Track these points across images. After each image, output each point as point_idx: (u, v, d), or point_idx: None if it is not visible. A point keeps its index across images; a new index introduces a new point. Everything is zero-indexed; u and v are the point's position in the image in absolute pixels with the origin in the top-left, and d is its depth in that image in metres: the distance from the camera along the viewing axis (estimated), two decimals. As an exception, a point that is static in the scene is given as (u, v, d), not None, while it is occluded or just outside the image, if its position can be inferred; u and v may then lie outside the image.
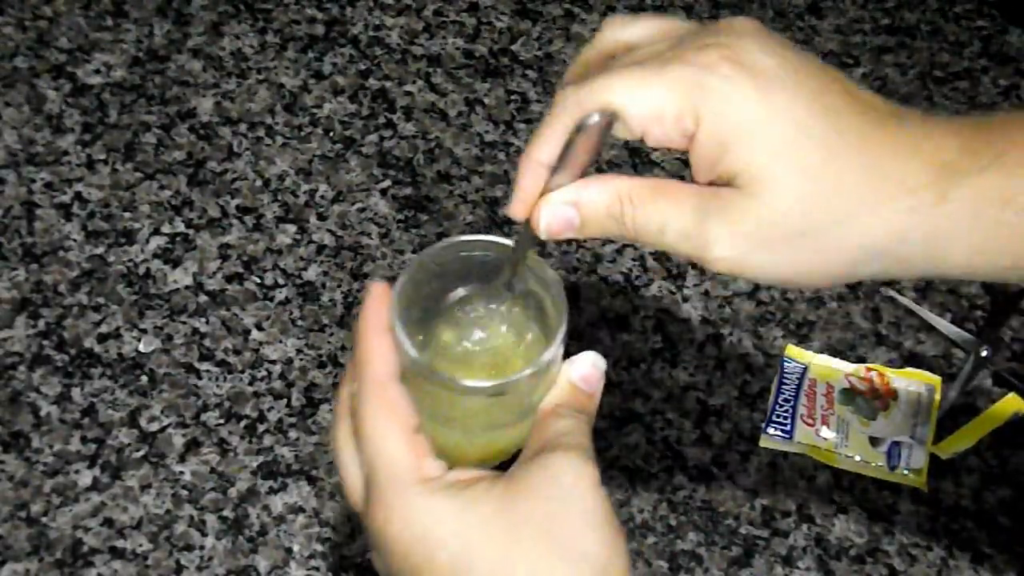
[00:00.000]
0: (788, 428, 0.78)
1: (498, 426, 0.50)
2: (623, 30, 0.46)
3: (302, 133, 0.92)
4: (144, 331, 0.81)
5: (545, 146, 0.43)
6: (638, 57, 0.42)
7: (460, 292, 0.51)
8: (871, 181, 0.40)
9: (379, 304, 0.46)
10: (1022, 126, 0.41)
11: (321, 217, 0.87)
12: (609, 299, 0.84)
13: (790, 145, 0.40)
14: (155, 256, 0.84)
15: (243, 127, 0.92)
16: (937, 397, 0.80)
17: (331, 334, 0.82)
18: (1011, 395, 0.80)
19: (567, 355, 0.50)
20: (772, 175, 0.40)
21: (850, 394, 0.80)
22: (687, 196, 0.42)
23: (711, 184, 0.42)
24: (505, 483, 0.44)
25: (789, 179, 0.40)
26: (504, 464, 0.48)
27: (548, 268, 0.49)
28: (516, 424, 0.49)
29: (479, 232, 0.80)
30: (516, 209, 0.45)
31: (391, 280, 0.46)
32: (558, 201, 0.44)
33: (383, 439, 0.44)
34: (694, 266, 0.87)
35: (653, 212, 0.43)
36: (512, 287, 0.49)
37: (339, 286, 0.84)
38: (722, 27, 0.43)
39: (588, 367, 0.50)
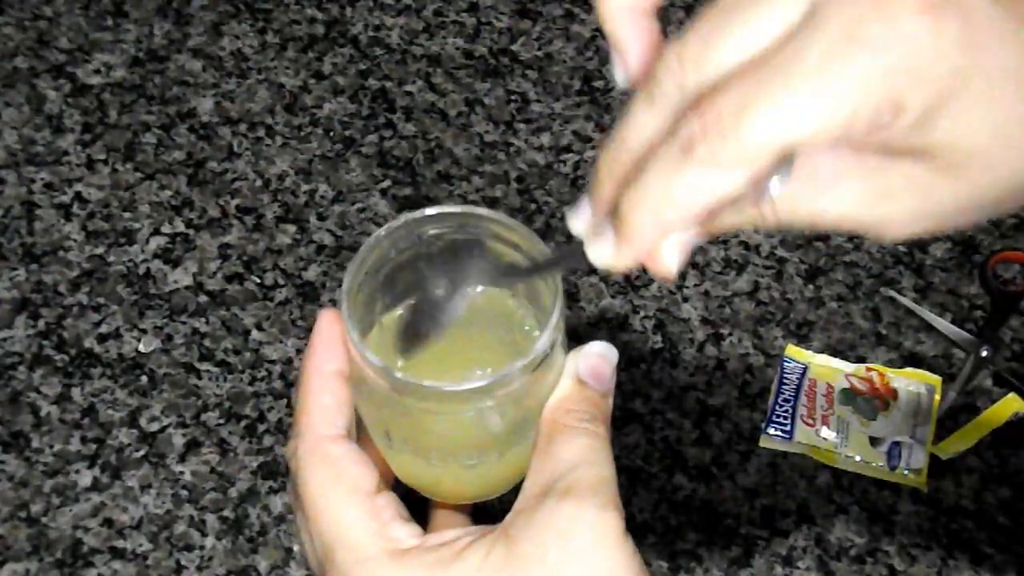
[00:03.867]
0: (788, 428, 0.78)
1: (491, 447, 0.39)
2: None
3: (302, 133, 0.92)
4: (144, 331, 0.81)
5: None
6: (793, 57, 0.29)
7: (427, 279, 0.40)
8: None
9: (328, 342, 0.38)
10: None
11: (321, 217, 0.87)
12: (609, 299, 0.85)
13: (1015, 109, 0.30)
14: (155, 256, 0.84)
15: (243, 127, 0.92)
16: (937, 397, 0.80)
17: (331, 334, 0.82)
18: (1011, 395, 0.80)
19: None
20: (988, 154, 0.30)
21: (850, 394, 0.80)
22: (854, 171, 0.31)
23: (890, 150, 0.31)
24: (504, 547, 0.35)
25: (1009, 157, 0.30)
26: (511, 492, 0.39)
27: (538, 241, 0.40)
28: (514, 443, 0.39)
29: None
30: (631, 63, 0.33)
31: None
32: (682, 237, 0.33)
33: (334, 509, 0.36)
34: (694, 266, 0.87)
35: (815, 198, 0.32)
36: (424, 266, 0.39)
37: (339, 286, 0.84)
38: None
39: (596, 360, 0.39)
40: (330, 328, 0.38)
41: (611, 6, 0.33)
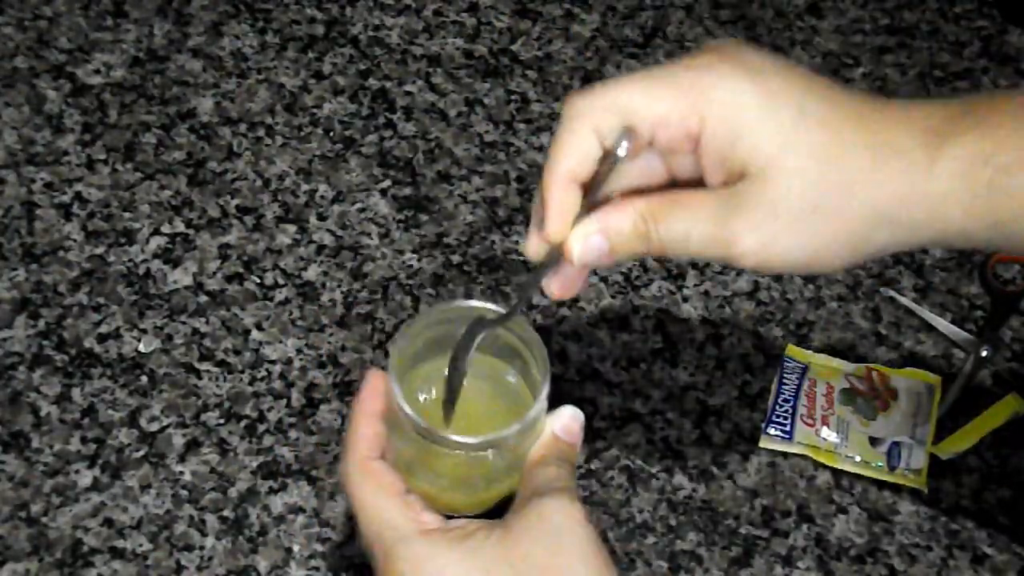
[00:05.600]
0: (788, 428, 0.78)
1: (489, 478, 0.53)
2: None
3: (302, 133, 0.92)
4: (144, 331, 0.81)
5: (566, 162, 0.44)
6: (635, 73, 0.44)
7: (450, 355, 0.53)
8: (869, 150, 0.42)
9: (371, 392, 0.52)
10: (1003, 99, 0.43)
11: (321, 217, 0.87)
12: (609, 299, 0.84)
13: (793, 127, 0.42)
14: (155, 256, 0.84)
15: (243, 127, 0.92)
16: (937, 397, 0.80)
17: (331, 334, 0.82)
18: (1011, 395, 0.80)
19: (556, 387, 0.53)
20: (780, 158, 0.42)
21: (850, 394, 0.80)
22: (705, 201, 0.44)
23: (724, 184, 0.43)
24: (502, 529, 0.48)
25: (797, 160, 0.42)
26: (497, 510, 0.53)
27: (530, 328, 0.52)
28: (506, 475, 0.53)
29: (480, 230, 0.84)
30: (555, 229, 0.45)
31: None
32: (588, 232, 0.46)
33: (378, 504, 0.50)
34: (694, 266, 0.87)
35: (676, 223, 0.44)
36: (517, 311, 0.52)
37: (339, 286, 0.84)
38: (708, 45, 0.45)
39: (568, 420, 0.53)
40: (376, 382, 0.52)
41: (557, 175, 0.44)
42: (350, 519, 0.74)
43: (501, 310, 0.52)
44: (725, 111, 0.42)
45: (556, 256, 0.47)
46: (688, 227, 0.44)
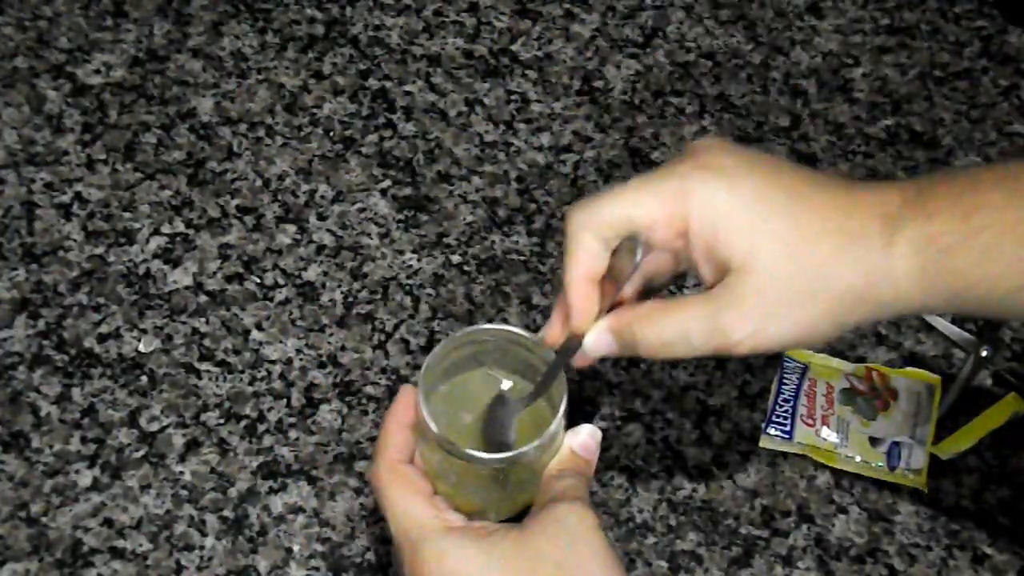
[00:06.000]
0: (788, 428, 0.78)
1: (509, 490, 0.57)
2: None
3: (302, 133, 0.92)
4: (144, 331, 0.81)
5: (582, 266, 0.51)
6: (628, 181, 0.51)
7: (476, 375, 0.59)
8: (833, 236, 0.47)
9: (404, 403, 0.57)
10: (948, 180, 0.48)
11: (321, 217, 0.87)
12: (609, 299, 0.84)
13: (764, 222, 0.48)
14: (155, 256, 0.84)
15: (243, 127, 0.92)
16: (937, 397, 0.80)
17: (331, 334, 0.82)
18: (1011, 395, 0.80)
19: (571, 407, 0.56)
20: (754, 253, 0.48)
21: (850, 394, 0.80)
22: (697, 303, 0.50)
23: (716, 276, 0.49)
24: (519, 529, 0.53)
25: (771, 250, 0.47)
26: (516, 520, 0.56)
27: (551, 353, 0.56)
28: (525, 488, 0.57)
29: (480, 230, 0.84)
30: (580, 321, 0.53)
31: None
32: (603, 328, 0.53)
33: (408, 503, 0.54)
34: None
35: (675, 327, 0.50)
36: (538, 395, 0.57)
37: (339, 286, 0.84)
38: (686, 148, 0.51)
39: (586, 438, 0.57)
40: (407, 396, 0.57)
41: (576, 280, 0.52)
42: (350, 519, 0.74)
43: (524, 333, 0.58)
44: (705, 213, 0.48)
45: (575, 344, 0.54)
46: (686, 325, 0.50)
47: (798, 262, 0.48)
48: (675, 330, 0.50)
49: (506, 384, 0.61)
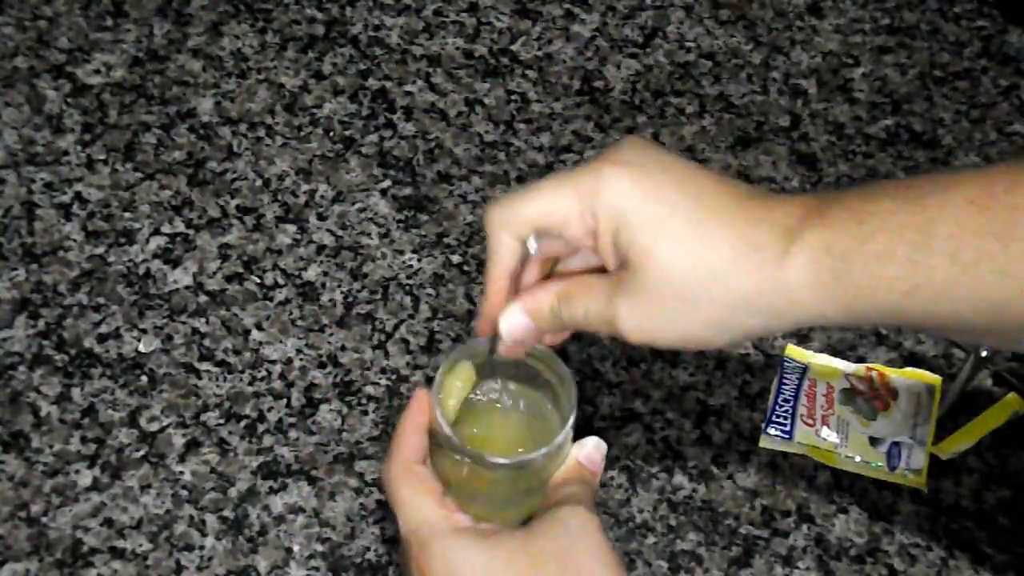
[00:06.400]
0: (788, 428, 0.78)
1: (516, 496, 0.59)
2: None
3: (302, 133, 0.92)
4: (144, 331, 0.81)
5: (497, 263, 0.53)
6: (541, 179, 0.51)
7: (489, 383, 0.60)
8: (731, 245, 0.49)
9: (419, 406, 0.58)
10: (848, 191, 0.49)
11: (321, 217, 0.87)
12: (609, 299, 0.85)
13: (662, 223, 0.49)
14: (155, 256, 0.84)
15: (243, 127, 0.92)
16: (937, 397, 0.80)
17: (331, 334, 0.82)
18: (1011, 395, 0.80)
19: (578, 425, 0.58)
20: (651, 250, 0.49)
21: (850, 394, 0.80)
22: (600, 285, 0.51)
23: (618, 270, 0.51)
24: (524, 531, 0.54)
25: (665, 251, 0.49)
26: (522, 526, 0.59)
27: (562, 364, 0.58)
28: (532, 494, 0.59)
29: (480, 230, 0.87)
30: (487, 316, 0.55)
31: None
32: (516, 312, 0.54)
33: (418, 502, 0.56)
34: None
35: (577, 304, 0.52)
36: (534, 375, 0.59)
37: (339, 286, 0.84)
38: (610, 145, 0.52)
39: (591, 450, 0.59)
40: (423, 399, 0.58)
41: (490, 275, 0.53)
42: (350, 519, 0.74)
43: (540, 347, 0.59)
44: (611, 208, 0.50)
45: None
46: (586, 306, 0.52)
47: (693, 264, 0.49)
48: (578, 309, 0.53)
49: (512, 393, 0.63)
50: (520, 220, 0.52)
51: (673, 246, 0.49)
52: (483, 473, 0.57)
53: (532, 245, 0.52)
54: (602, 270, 0.53)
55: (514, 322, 0.55)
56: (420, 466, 0.58)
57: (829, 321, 0.50)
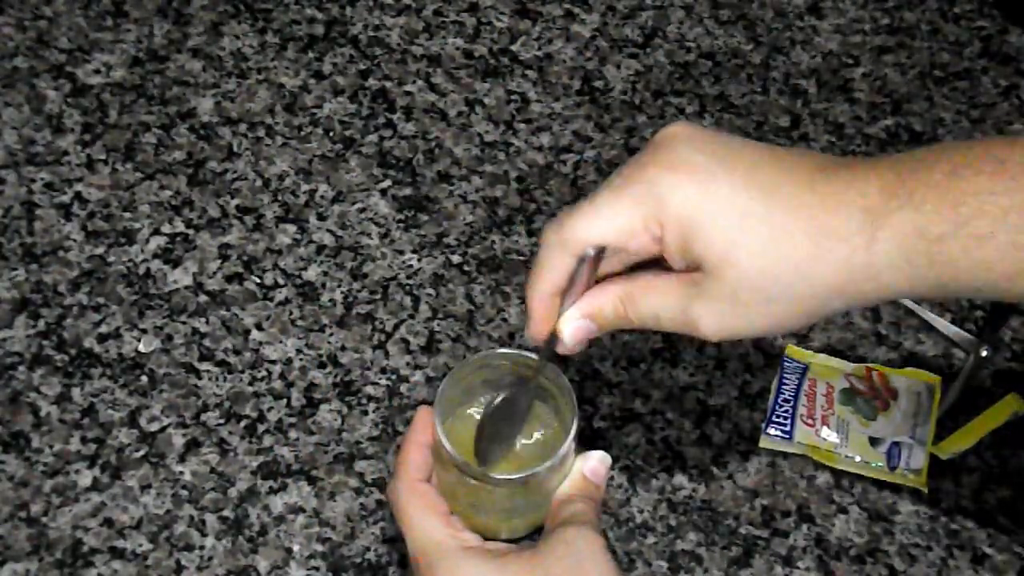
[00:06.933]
0: (788, 428, 0.78)
1: (521, 508, 0.60)
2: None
3: (302, 133, 0.92)
4: (144, 331, 0.81)
5: (547, 281, 0.52)
6: (598, 192, 0.51)
7: (489, 398, 0.60)
8: (811, 239, 0.47)
9: (422, 424, 0.58)
10: (931, 164, 0.47)
11: (321, 217, 0.87)
12: (609, 299, 0.84)
13: (737, 229, 0.48)
14: (155, 256, 0.84)
15: (243, 127, 0.92)
16: (937, 397, 0.80)
17: (331, 334, 0.82)
18: (1011, 395, 0.80)
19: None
20: (729, 258, 0.48)
21: (850, 394, 0.80)
22: (671, 288, 0.50)
23: (687, 269, 0.50)
24: (531, 551, 0.55)
25: (744, 258, 0.48)
26: (527, 538, 0.60)
27: (563, 377, 0.59)
28: (536, 508, 0.60)
29: (480, 230, 0.86)
30: (536, 331, 0.54)
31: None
32: (575, 317, 0.53)
33: (425, 522, 0.56)
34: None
35: (646, 307, 0.51)
36: (533, 388, 0.59)
37: (339, 286, 0.84)
38: (654, 141, 0.50)
39: (596, 463, 0.59)
40: (425, 415, 0.58)
41: (538, 291, 0.52)
42: (350, 519, 0.74)
43: (536, 357, 0.59)
44: (680, 218, 0.48)
45: (546, 345, 0.56)
46: (658, 310, 0.51)
47: (776, 262, 0.48)
48: (648, 311, 0.51)
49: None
50: (581, 240, 0.50)
51: (751, 249, 0.48)
52: (488, 488, 0.58)
53: (589, 252, 0.51)
54: (646, 264, 0.52)
55: (576, 326, 0.54)
56: (426, 484, 0.58)
57: (917, 297, 0.48)
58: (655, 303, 0.51)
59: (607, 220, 0.50)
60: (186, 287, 0.83)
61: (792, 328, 0.50)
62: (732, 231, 0.48)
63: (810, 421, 0.79)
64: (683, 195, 0.48)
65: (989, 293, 0.48)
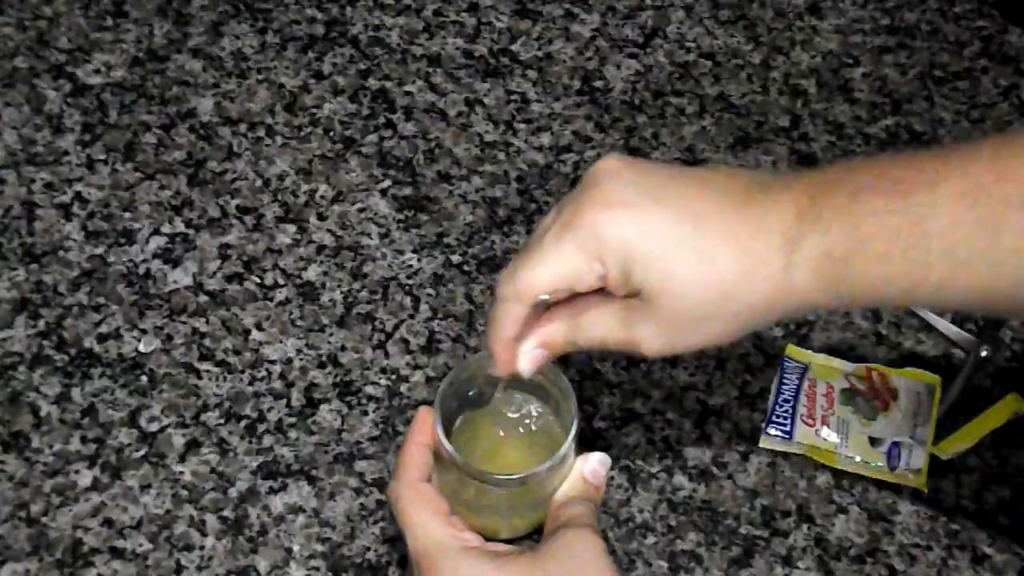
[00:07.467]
0: (788, 428, 0.78)
1: (522, 508, 0.61)
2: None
3: (302, 133, 0.92)
4: (144, 331, 0.81)
5: (507, 330, 0.55)
6: (538, 241, 0.54)
7: (489, 398, 0.62)
8: (738, 262, 0.51)
9: (422, 424, 0.60)
10: (837, 186, 0.50)
11: (321, 217, 0.87)
12: (609, 299, 0.84)
13: (670, 258, 0.51)
14: (155, 256, 0.84)
15: (243, 127, 0.92)
16: (937, 397, 0.80)
17: (331, 334, 0.82)
18: (1011, 395, 0.80)
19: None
20: (664, 286, 0.51)
21: (850, 394, 0.80)
22: (613, 313, 0.54)
23: (627, 295, 0.53)
24: (532, 553, 0.56)
25: (677, 284, 0.51)
26: (527, 537, 0.61)
27: (563, 377, 0.60)
28: (536, 507, 0.60)
29: (480, 230, 0.87)
30: (503, 370, 0.57)
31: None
32: (531, 347, 0.57)
33: (426, 522, 0.57)
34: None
35: (593, 332, 0.55)
36: (533, 388, 0.62)
37: (339, 286, 0.84)
38: (587, 178, 0.53)
39: (596, 464, 0.61)
40: (425, 416, 0.60)
41: (500, 339, 0.56)
42: (350, 519, 0.74)
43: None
44: (618, 254, 0.51)
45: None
46: (603, 334, 0.55)
47: (706, 287, 0.51)
48: (595, 336, 0.55)
49: (517, 405, 0.64)
50: (531, 291, 0.54)
51: (683, 276, 0.51)
52: (488, 488, 0.58)
53: (544, 299, 0.55)
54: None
55: (532, 356, 0.57)
56: (426, 485, 0.59)
57: (838, 308, 0.52)
58: (600, 329, 0.55)
59: (555, 267, 0.53)
60: (186, 287, 0.83)
61: (727, 341, 0.54)
62: (665, 260, 0.51)
63: (810, 421, 0.79)
64: (619, 232, 0.51)
65: (896, 303, 0.52)
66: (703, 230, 0.51)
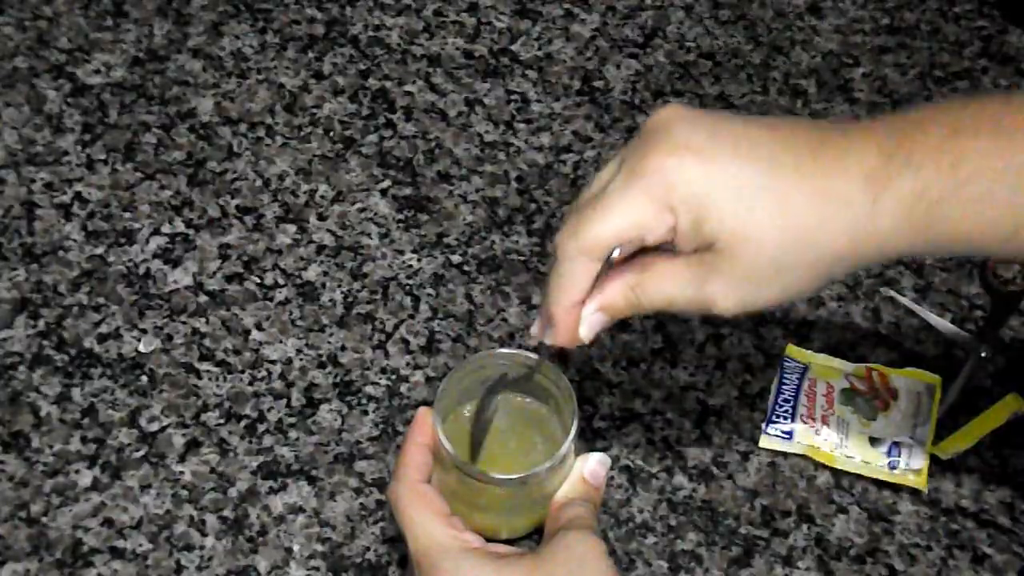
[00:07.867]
0: (788, 428, 0.78)
1: (522, 507, 0.61)
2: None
3: (302, 133, 0.92)
4: (144, 331, 0.81)
5: (574, 291, 0.52)
6: (601, 192, 0.51)
7: (489, 398, 0.61)
8: (817, 207, 0.48)
9: (421, 425, 0.59)
10: (927, 126, 0.48)
11: (321, 217, 0.87)
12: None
13: (744, 205, 0.48)
14: (155, 256, 0.84)
15: (243, 127, 0.92)
16: (937, 397, 0.80)
17: (331, 334, 0.82)
18: (1011, 395, 0.80)
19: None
20: (741, 234, 0.48)
21: (850, 394, 0.80)
22: (681, 270, 0.51)
23: (695, 250, 0.50)
24: (532, 555, 0.56)
25: (754, 232, 0.48)
26: (527, 537, 0.61)
27: (563, 377, 0.60)
28: (536, 507, 0.60)
29: (480, 230, 0.86)
30: (564, 341, 0.54)
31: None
32: (591, 311, 0.53)
33: (426, 523, 0.56)
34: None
35: (658, 293, 0.52)
36: (533, 388, 0.61)
37: (339, 286, 0.84)
38: (649, 127, 0.51)
39: (596, 465, 0.61)
40: (424, 417, 0.59)
41: (562, 306, 0.52)
42: (350, 519, 0.74)
43: (536, 357, 0.60)
44: (690, 202, 0.48)
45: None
46: (671, 293, 0.52)
47: (784, 233, 0.48)
48: (660, 297, 0.52)
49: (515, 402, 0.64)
50: (600, 243, 0.50)
51: (761, 223, 0.48)
52: (488, 488, 0.58)
53: (615, 255, 0.51)
54: (647, 248, 0.52)
55: (593, 322, 0.54)
56: (426, 485, 0.58)
57: (917, 255, 0.50)
58: (667, 288, 0.52)
59: (622, 218, 0.50)
60: (186, 287, 0.83)
61: (802, 295, 0.51)
62: (741, 207, 0.48)
63: (810, 421, 0.79)
64: (689, 178, 0.48)
65: (987, 251, 0.49)
66: (778, 173, 0.48)
